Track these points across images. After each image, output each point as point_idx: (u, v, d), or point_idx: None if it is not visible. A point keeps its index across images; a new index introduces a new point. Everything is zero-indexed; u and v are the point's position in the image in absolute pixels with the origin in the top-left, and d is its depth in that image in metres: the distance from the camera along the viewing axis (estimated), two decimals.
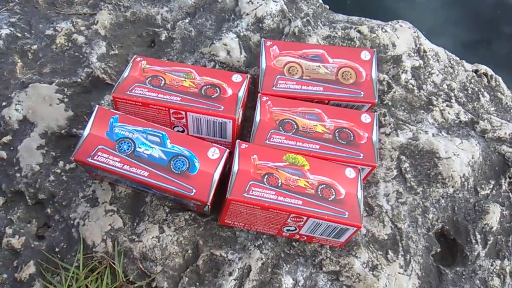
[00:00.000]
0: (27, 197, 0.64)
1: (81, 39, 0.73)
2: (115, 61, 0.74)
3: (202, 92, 0.63)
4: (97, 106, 0.58)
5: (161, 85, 0.63)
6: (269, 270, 0.61)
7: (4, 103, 0.67)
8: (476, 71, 0.86)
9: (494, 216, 0.68)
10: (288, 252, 0.62)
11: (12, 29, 0.73)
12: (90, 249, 0.61)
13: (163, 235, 0.61)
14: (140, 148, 0.56)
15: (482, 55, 1.79)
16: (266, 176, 0.57)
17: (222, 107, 0.61)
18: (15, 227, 0.62)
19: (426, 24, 1.81)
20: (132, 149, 0.56)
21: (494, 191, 0.71)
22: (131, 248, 0.60)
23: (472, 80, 0.84)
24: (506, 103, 0.83)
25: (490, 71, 0.87)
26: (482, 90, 0.83)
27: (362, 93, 0.66)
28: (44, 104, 0.67)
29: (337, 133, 0.63)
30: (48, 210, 0.63)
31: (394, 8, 1.86)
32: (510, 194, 0.71)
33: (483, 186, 0.71)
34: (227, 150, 0.58)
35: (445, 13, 1.90)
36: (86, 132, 0.56)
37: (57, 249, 0.61)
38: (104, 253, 0.60)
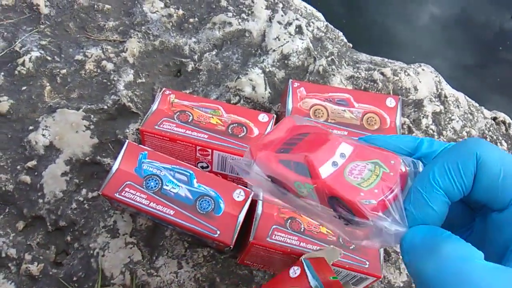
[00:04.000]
0: (48, 223, 0.64)
1: (109, 66, 0.74)
2: (141, 90, 0.74)
3: (229, 130, 0.63)
4: (127, 140, 0.58)
5: (189, 121, 0.64)
6: None
7: (31, 127, 0.68)
8: (494, 119, 0.87)
9: None
10: None
11: (42, 52, 0.74)
12: (108, 281, 0.61)
13: (181, 271, 0.61)
14: (167, 186, 0.57)
15: (480, 79, 1.81)
16: (289, 220, 0.58)
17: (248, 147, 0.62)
18: (34, 254, 0.62)
19: (425, 46, 1.84)
20: (160, 187, 0.56)
21: None
22: (148, 282, 0.60)
23: (491, 128, 0.84)
24: None
25: (508, 119, 0.88)
26: (500, 138, 0.84)
27: None
28: (71, 130, 0.67)
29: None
30: (68, 238, 0.64)
31: (395, 32, 1.88)
32: None
33: None
34: (253, 192, 0.59)
35: (444, 36, 1.92)
36: (115, 167, 0.56)
37: (74, 278, 0.61)
38: (122, 286, 0.60)
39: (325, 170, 0.29)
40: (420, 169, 0.30)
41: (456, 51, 1.88)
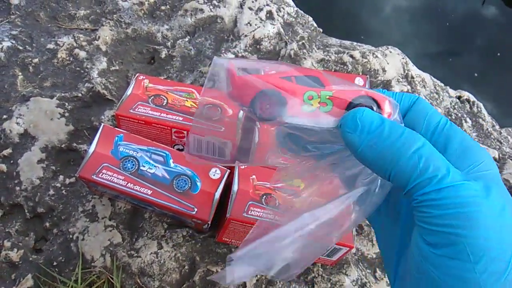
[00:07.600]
0: (26, 211, 0.64)
1: (82, 54, 0.75)
2: (115, 77, 0.75)
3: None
4: (103, 124, 0.59)
5: (164, 104, 0.65)
6: (263, 286, 0.63)
7: (4, 116, 0.68)
8: (459, 97, 0.91)
9: None
10: None
11: (14, 41, 0.74)
12: (89, 264, 0.62)
13: (161, 251, 0.63)
14: (144, 166, 0.58)
15: (448, 68, 1.87)
16: (264, 196, 0.60)
17: (223, 128, 0.63)
18: (13, 240, 0.63)
19: (395, 37, 1.88)
20: (136, 168, 0.58)
21: None
22: (129, 263, 0.62)
23: (456, 106, 0.88)
24: (487, 128, 0.88)
25: (472, 97, 0.92)
26: (465, 115, 0.88)
27: None
28: (46, 118, 0.68)
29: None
30: (47, 224, 0.64)
31: (365, 22, 1.92)
32: None
33: None
34: (228, 171, 0.60)
35: (412, 26, 1.96)
36: (91, 149, 0.57)
37: (55, 263, 0.62)
38: (103, 268, 0.61)
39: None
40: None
41: (426, 39, 1.92)
